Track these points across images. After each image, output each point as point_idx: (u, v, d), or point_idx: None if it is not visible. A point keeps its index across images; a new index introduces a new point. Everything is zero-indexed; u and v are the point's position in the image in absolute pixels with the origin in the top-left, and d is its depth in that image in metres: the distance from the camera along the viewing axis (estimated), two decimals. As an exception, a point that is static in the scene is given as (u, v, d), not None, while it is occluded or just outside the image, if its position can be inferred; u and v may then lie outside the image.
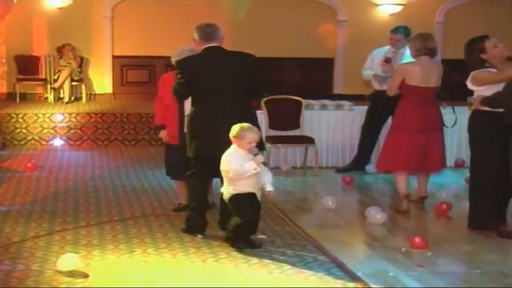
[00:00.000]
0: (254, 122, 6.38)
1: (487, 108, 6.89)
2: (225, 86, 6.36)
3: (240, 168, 5.89)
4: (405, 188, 7.82)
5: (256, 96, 6.96)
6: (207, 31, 6.44)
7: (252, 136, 5.91)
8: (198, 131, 6.39)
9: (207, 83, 6.34)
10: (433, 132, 7.83)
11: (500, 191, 6.94)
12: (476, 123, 7.14)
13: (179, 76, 6.44)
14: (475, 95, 7.10)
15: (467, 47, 7.23)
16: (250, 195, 6.04)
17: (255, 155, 5.93)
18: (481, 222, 6.95)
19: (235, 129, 5.93)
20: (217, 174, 6.29)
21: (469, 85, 7.16)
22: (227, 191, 6.11)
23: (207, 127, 6.36)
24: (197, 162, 6.52)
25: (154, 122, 7.80)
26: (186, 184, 6.87)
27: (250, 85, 6.48)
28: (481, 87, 6.98)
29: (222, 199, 6.34)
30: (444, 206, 7.62)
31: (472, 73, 7.07)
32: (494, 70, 6.93)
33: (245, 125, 5.97)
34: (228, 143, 6.05)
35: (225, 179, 6.13)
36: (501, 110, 6.81)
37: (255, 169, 5.89)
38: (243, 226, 6.04)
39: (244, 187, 6.00)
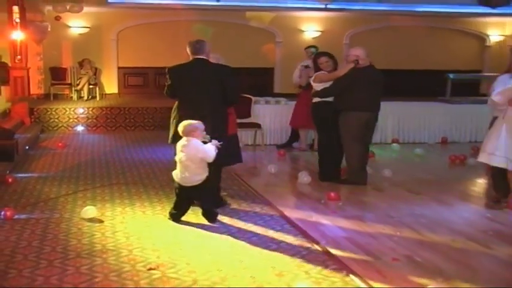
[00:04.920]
0: (223, 120, 5.90)
1: (326, 100, 7.25)
2: (203, 90, 5.73)
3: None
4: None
5: (232, 97, 5.92)
6: (196, 46, 5.81)
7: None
8: (177, 124, 5.70)
9: (188, 86, 5.82)
10: None
11: (338, 156, 7.36)
12: (317, 111, 7.44)
13: (168, 79, 5.93)
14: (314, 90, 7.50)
15: (317, 55, 7.86)
16: None
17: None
18: (326, 177, 7.29)
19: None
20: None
21: (312, 82, 7.59)
22: None
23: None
24: None
25: None
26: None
27: (225, 89, 5.76)
28: (319, 84, 7.36)
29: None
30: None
31: (315, 74, 7.53)
32: (325, 72, 7.40)
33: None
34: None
35: None
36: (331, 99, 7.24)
37: None
38: None
39: None
